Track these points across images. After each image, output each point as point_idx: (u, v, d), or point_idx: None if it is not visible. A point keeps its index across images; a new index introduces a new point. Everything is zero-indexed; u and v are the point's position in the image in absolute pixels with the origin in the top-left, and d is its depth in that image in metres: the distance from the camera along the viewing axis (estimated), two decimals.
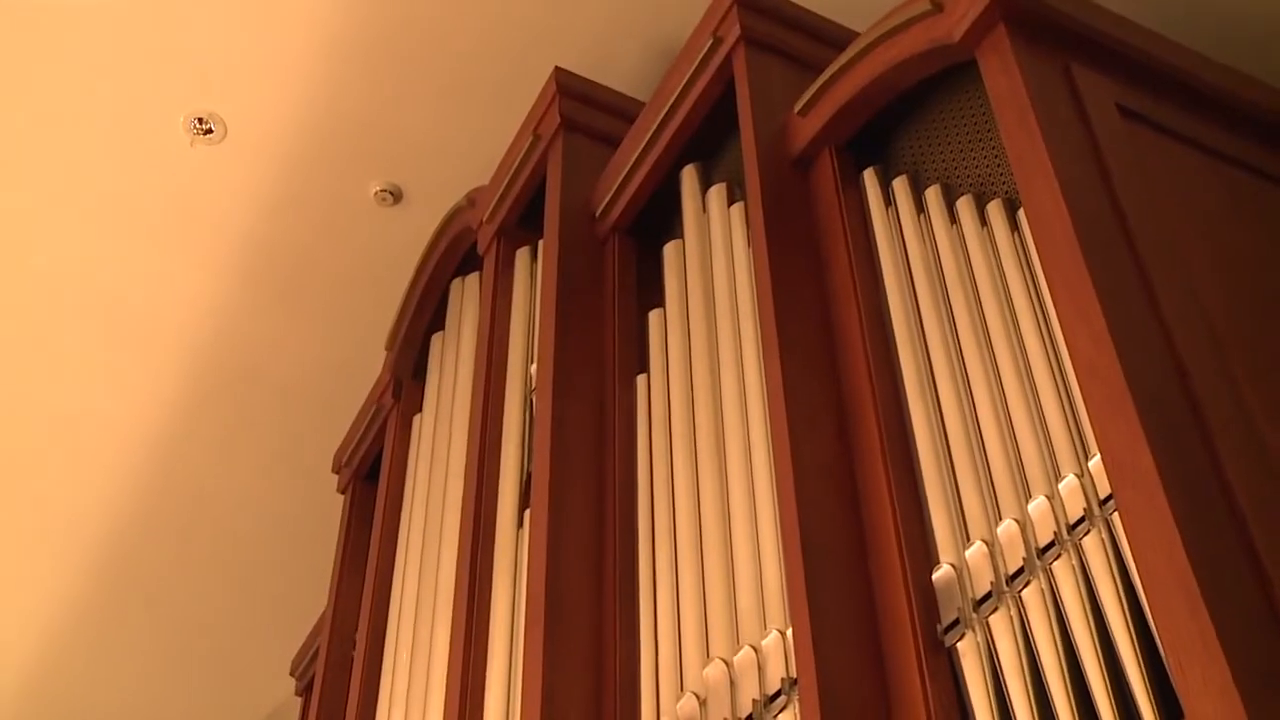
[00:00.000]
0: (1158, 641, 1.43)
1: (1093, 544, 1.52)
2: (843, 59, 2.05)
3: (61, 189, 2.91)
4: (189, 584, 3.60)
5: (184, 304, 3.08)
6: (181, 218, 2.95)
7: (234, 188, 2.91)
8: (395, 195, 2.91)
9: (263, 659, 3.68)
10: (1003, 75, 1.79)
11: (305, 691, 3.03)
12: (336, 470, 2.97)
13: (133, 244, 2.99)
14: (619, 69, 2.71)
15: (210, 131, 2.79)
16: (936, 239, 1.90)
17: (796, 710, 1.62)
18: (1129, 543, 1.47)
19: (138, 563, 3.55)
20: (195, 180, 2.89)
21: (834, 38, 2.24)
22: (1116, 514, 1.52)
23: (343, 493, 2.91)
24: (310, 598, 3.40)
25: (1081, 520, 1.56)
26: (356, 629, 2.58)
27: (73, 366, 3.19)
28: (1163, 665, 1.44)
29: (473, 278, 2.66)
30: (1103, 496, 1.55)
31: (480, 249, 2.57)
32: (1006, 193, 1.90)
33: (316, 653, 2.91)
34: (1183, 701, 1.38)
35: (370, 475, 2.87)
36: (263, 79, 2.77)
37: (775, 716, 1.63)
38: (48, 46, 2.73)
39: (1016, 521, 1.59)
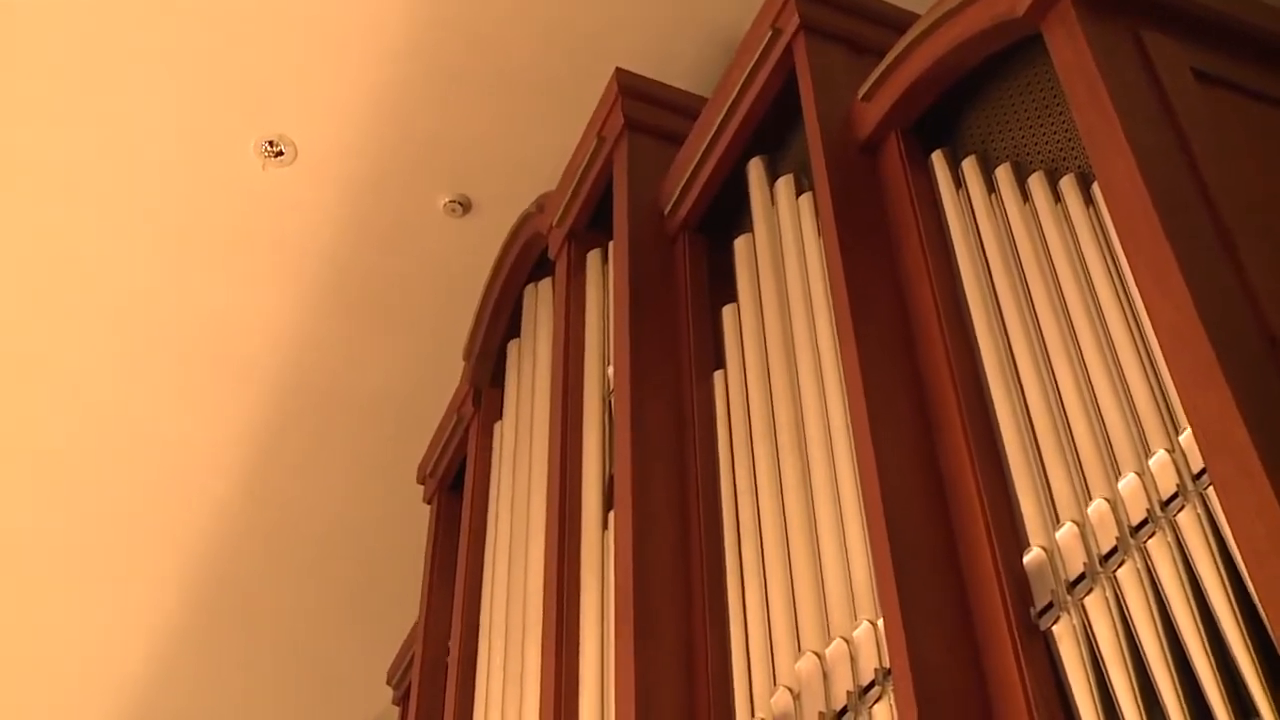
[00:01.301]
0: (1263, 616, 1.41)
1: (1188, 520, 1.50)
2: (904, 41, 2.03)
3: (135, 217, 2.93)
4: (285, 600, 3.62)
5: (264, 326, 3.09)
6: (256, 240, 2.96)
7: (305, 208, 2.91)
8: (464, 206, 2.91)
9: (360, 670, 3.70)
10: (1069, 47, 1.77)
11: (403, 700, 3.04)
12: (421, 481, 2.97)
13: (210, 270, 3.00)
14: (679, 66, 2.70)
15: (281, 154, 2.79)
16: (1009, 218, 1.88)
17: (891, 701, 1.60)
18: (1226, 516, 1.45)
19: (234, 583, 3.57)
20: (268, 203, 2.90)
21: (894, 20, 2.22)
22: (1211, 488, 1.49)
23: (429, 503, 2.92)
24: (403, 607, 3.41)
25: (1175, 496, 1.53)
26: (449, 636, 2.58)
27: (158, 393, 3.20)
28: (1270, 641, 1.42)
29: (545, 283, 2.66)
30: (1195, 471, 1.53)
31: (551, 254, 2.57)
32: (1080, 167, 1.87)
33: (411, 661, 2.92)
34: None
35: (454, 484, 2.88)
36: (328, 99, 2.77)
37: (870, 708, 1.61)
38: (117, 77, 2.75)
39: (1107, 500, 1.57)
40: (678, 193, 2.31)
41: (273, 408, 3.23)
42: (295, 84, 2.77)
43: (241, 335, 3.11)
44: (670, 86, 2.52)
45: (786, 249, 2.11)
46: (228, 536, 3.49)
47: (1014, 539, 1.64)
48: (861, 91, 2.06)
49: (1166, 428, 1.59)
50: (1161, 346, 1.57)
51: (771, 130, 2.27)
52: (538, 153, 2.81)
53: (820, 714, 1.62)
